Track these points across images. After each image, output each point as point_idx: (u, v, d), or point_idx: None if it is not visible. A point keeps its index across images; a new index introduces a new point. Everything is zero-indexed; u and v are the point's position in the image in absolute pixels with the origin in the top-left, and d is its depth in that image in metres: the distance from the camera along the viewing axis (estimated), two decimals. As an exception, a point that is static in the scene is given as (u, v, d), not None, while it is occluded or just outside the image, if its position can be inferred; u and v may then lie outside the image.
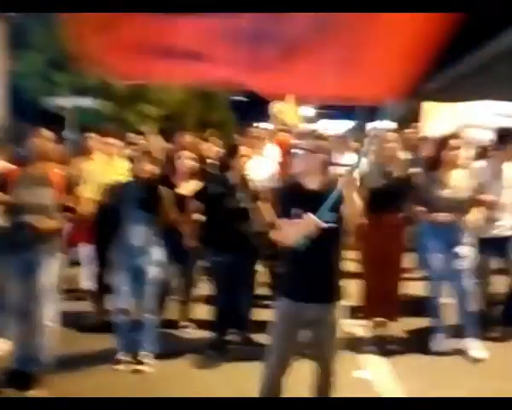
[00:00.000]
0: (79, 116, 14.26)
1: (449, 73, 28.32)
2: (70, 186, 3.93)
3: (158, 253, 4.21)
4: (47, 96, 15.12)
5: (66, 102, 13.62)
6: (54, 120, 14.10)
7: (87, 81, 19.42)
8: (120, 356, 4.08)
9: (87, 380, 3.81)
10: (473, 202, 4.47)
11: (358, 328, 4.84)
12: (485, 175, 4.61)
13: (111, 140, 5.34)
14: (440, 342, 4.39)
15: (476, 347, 4.27)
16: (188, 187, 4.64)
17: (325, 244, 2.77)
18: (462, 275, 4.36)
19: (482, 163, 4.80)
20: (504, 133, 4.72)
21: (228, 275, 4.29)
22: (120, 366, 4.03)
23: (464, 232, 4.47)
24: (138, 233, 4.06)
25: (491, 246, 4.60)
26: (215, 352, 4.29)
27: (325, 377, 2.95)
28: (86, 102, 14.16)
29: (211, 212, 4.36)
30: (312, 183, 2.87)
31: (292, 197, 2.90)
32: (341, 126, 16.66)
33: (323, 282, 2.87)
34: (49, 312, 3.67)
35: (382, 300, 4.66)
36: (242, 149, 4.40)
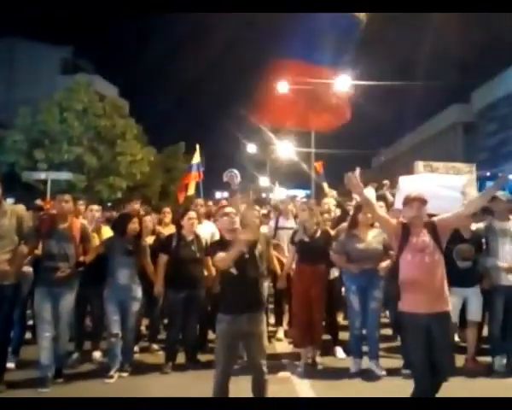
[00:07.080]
0: (55, 188, 15.55)
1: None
2: (84, 239, 5.35)
3: (138, 290, 5.52)
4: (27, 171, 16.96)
5: (43, 175, 14.97)
6: (31, 191, 15.76)
7: (63, 158, 21.34)
8: (113, 373, 5.27)
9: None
10: (383, 255, 5.46)
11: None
12: None
13: (95, 207, 6.62)
14: (355, 364, 5.54)
15: (376, 367, 5.47)
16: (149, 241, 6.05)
17: (247, 269, 3.90)
18: (374, 313, 5.51)
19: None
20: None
21: (182, 308, 5.55)
22: (111, 380, 5.20)
23: (377, 278, 5.46)
24: (124, 275, 5.43)
25: None
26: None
27: (260, 377, 3.93)
28: (63, 175, 15.58)
29: (173, 260, 5.61)
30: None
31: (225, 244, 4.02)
32: (296, 194, 18.33)
33: (250, 296, 3.93)
34: (68, 326, 5.24)
35: (308, 331, 5.68)
36: (190, 214, 5.75)
